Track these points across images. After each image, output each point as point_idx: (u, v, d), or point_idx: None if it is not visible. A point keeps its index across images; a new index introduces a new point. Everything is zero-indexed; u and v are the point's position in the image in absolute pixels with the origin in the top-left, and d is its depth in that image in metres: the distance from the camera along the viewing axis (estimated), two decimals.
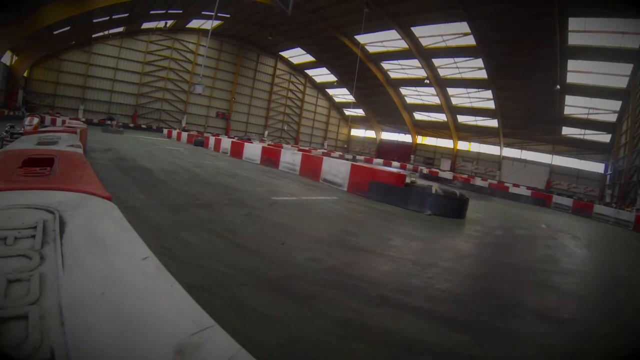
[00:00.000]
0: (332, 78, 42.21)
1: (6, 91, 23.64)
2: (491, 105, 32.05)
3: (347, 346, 1.88)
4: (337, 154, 35.21)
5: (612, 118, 26.51)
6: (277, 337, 1.84)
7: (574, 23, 20.55)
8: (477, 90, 31.65)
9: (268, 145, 17.85)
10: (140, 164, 8.37)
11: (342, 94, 45.05)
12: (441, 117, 37.56)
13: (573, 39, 21.75)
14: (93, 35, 29.39)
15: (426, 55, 30.01)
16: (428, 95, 35.88)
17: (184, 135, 22.69)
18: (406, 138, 43.95)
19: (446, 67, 30.81)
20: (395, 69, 34.86)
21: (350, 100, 39.56)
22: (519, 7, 20.53)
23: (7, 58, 23.09)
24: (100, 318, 0.70)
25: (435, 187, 7.84)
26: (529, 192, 21.84)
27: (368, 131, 48.61)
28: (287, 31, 33.27)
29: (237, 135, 32.87)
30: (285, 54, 41.44)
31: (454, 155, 38.98)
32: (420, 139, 42.56)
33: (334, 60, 37.61)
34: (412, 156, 41.88)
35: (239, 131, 39.71)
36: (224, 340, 0.73)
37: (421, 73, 32.35)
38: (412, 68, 32.85)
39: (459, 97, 34.07)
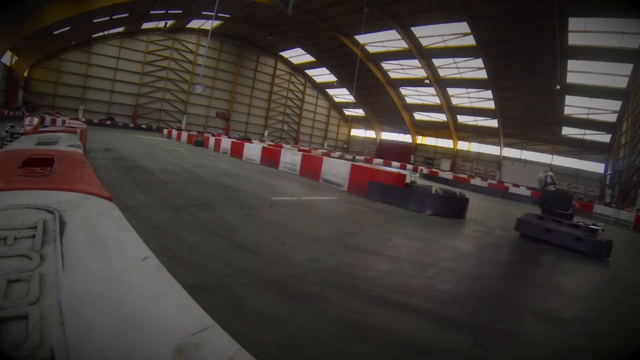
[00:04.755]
0: (332, 78, 42.23)
1: (6, 91, 23.65)
2: (491, 105, 32.07)
3: (347, 346, 1.88)
4: (337, 154, 35.21)
5: (612, 118, 26.52)
6: (277, 337, 1.84)
7: (574, 23, 20.56)
8: (477, 90, 31.67)
9: (268, 145, 17.85)
10: (140, 164, 8.37)
11: (342, 94, 45.07)
12: (441, 117, 37.58)
13: (573, 39, 21.76)
14: (93, 35, 29.40)
15: (426, 55, 30.03)
16: (428, 95, 35.90)
17: (184, 135, 22.69)
18: (406, 138, 43.97)
19: (446, 67, 30.83)
20: (395, 69, 34.88)
21: (350, 101, 39.57)
22: (519, 7, 20.54)
23: (7, 58, 23.09)
24: (100, 318, 0.70)
25: (435, 187, 7.84)
26: (529, 192, 21.83)
27: (368, 131, 48.62)
28: (287, 31, 33.29)
29: (237, 135, 32.87)
30: (285, 54, 41.46)
31: (454, 156, 38.99)
32: (420, 139, 42.58)
33: (334, 60, 37.64)
34: (412, 156, 41.88)
35: (238, 131, 39.72)
36: (224, 340, 0.73)
37: (421, 73, 32.37)
38: (412, 68, 32.87)
39: (459, 97, 34.09)
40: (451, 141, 39.06)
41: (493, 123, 34.14)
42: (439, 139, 40.70)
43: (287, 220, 4.72)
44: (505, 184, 25.56)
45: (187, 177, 7.36)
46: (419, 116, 40.58)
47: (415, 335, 2.12)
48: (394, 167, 31.06)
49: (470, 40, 25.62)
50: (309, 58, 40.25)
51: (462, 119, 36.88)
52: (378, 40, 30.86)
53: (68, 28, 24.19)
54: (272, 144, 27.21)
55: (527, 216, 6.56)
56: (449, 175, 27.18)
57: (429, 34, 27.37)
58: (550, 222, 6.13)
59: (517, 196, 21.01)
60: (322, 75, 43.43)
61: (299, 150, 20.24)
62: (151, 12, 27.29)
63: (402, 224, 5.92)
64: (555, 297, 3.44)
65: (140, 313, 0.75)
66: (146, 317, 0.74)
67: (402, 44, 29.54)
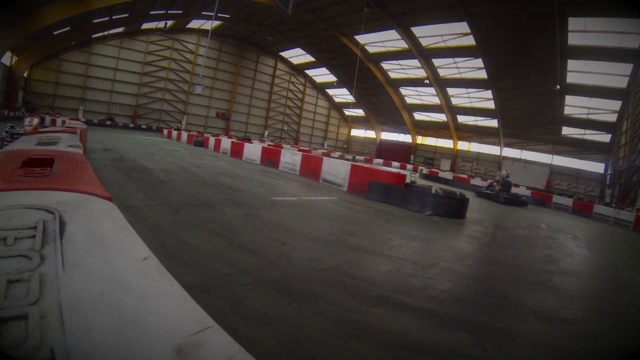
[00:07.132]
0: (332, 78, 42.22)
1: (6, 91, 23.64)
2: (491, 105, 32.06)
3: (347, 346, 1.88)
4: (337, 154, 35.20)
5: (612, 118, 26.52)
6: (277, 337, 1.84)
7: (573, 23, 20.55)
8: (477, 90, 31.66)
9: (268, 145, 17.85)
10: (140, 164, 8.37)
11: (342, 94, 45.06)
12: (441, 117, 37.57)
13: (573, 39, 21.76)
14: (93, 36, 29.41)
15: (426, 56, 30.02)
16: (428, 95, 35.89)
17: (184, 135, 22.69)
18: (406, 138, 43.97)
19: (446, 67, 30.81)
20: (395, 69, 34.87)
21: (350, 101, 39.57)
22: (519, 7, 20.54)
23: (7, 58, 23.09)
24: (100, 318, 0.70)
25: (435, 187, 7.84)
26: (529, 192, 21.81)
27: (368, 131, 48.61)
28: (287, 31, 33.29)
29: (236, 136, 32.86)
30: (285, 54, 41.46)
31: (454, 156, 38.99)
32: (420, 139, 42.57)
33: (334, 60, 37.63)
34: (412, 156, 41.88)
35: (238, 131, 39.72)
36: (224, 340, 0.72)
37: (421, 73, 32.36)
38: (412, 68, 32.86)
39: (459, 97, 34.08)
40: (451, 141, 39.06)
41: (493, 123, 34.13)
42: (439, 139, 40.69)
43: (287, 220, 4.72)
44: None
45: (187, 177, 7.36)
46: (419, 116, 40.58)
47: (415, 335, 2.12)
48: (394, 167, 31.06)
49: (470, 40, 25.62)
50: (308, 58, 40.24)
51: (462, 119, 36.87)
52: (378, 40, 30.84)
53: (68, 28, 24.19)
54: (272, 144, 27.22)
55: (490, 189, 16.41)
56: (449, 175, 27.15)
57: (429, 34, 27.35)
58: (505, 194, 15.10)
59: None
60: (322, 75, 43.43)
61: (299, 150, 20.25)
62: (151, 12, 27.28)
63: (402, 224, 5.92)
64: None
65: (140, 313, 0.75)
66: (146, 317, 0.74)
67: (402, 44, 29.53)
